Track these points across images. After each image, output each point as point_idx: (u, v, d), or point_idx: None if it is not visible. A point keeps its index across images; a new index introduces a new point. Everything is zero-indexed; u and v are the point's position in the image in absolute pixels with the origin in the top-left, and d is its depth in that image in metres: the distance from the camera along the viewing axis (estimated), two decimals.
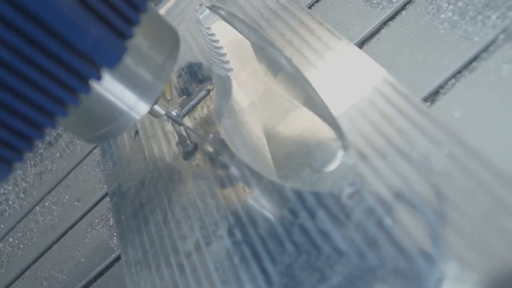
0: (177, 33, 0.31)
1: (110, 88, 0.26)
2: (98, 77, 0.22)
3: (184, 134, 0.43)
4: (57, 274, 0.51)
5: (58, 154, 0.62)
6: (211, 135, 0.41)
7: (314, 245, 0.29)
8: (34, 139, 0.19)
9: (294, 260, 0.29)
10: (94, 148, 0.58)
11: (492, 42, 0.35)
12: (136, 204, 0.42)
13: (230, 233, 0.33)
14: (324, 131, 0.35)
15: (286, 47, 0.41)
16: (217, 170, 0.38)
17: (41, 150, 0.65)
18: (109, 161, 0.50)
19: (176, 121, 0.42)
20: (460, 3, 0.39)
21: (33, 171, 0.64)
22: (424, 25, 0.40)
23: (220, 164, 0.38)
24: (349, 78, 0.36)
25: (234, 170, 0.37)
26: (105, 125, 0.29)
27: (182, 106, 0.45)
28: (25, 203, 0.62)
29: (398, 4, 0.42)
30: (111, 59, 0.22)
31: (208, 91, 0.45)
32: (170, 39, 0.30)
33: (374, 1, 0.44)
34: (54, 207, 0.58)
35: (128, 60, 0.26)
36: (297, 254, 0.29)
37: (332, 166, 0.33)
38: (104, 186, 0.53)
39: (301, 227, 0.30)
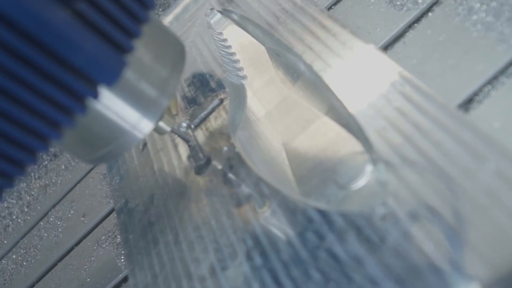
0: (182, 44, 0.28)
1: (110, 105, 0.24)
2: (95, 95, 0.19)
3: (196, 147, 0.40)
4: None
5: (63, 166, 0.60)
6: (225, 148, 0.38)
7: (344, 272, 0.26)
8: (26, 163, 0.17)
9: None
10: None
11: None
12: (144, 223, 0.40)
13: (249, 257, 0.30)
14: (350, 143, 0.32)
15: (305, 52, 0.38)
16: (231, 187, 0.35)
17: (46, 162, 0.63)
18: (116, 176, 0.47)
19: (183, 138, 0.39)
20: (494, 3, 0.36)
21: (38, 184, 0.61)
22: (454, 27, 0.37)
23: (234, 180, 0.36)
24: (376, 86, 0.33)
25: (250, 187, 0.34)
26: (105, 145, 0.26)
27: (193, 116, 0.42)
28: (29, 217, 0.59)
29: (425, 5, 0.39)
30: (109, 75, 0.19)
31: (221, 100, 0.42)
32: (174, 51, 0.27)
33: (398, 3, 0.41)
34: (59, 223, 0.55)
35: (129, 75, 0.24)
36: (324, 283, 0.26)
37: (360, 183, 0.30)
38: (111, 201, 0.50)
39: (329, 252, 0.27)
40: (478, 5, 0.37)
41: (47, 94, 0.16)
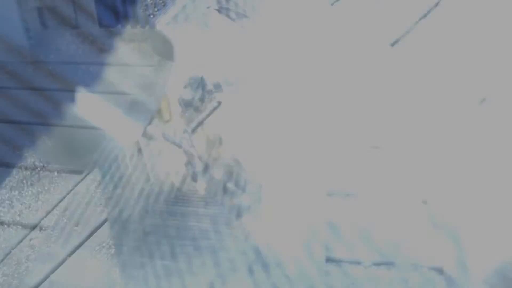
0: (172, 46, 0.26)
1: (94, 111, 0.22)
2: None
3: (193, 153, 0.38)
4: None
5: (56, 173, 0.58)
6: (222, 159, 0.36)
7: None
8: None
9: None
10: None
11: None
12: (139, 234, 0.38)
13: (250, 271, 0.28)
14: None
15: None
16: (231, 198, 0.33)
17: (38, 169, 0.61)
18: (110, 184, 0.45)
19: (175, 144, 0.37)
20: None
21: (30, 192, 0.59)
22: None
23: (234, 190, 0.34)
24: None
25: (250, 196, 0.32)
26: (89, 153, 0.24)
27: (189, 120, 0.40)
28: (20, 227, 0.57)
29: None
30: None
31: (219, 103, 0.40)
32: (165, 52, 0.25)
33: None
34: (51, 232, 0.53)
35: (114, 77, 0.22)
36: None
37: None
38: (105, 209, 0.48)
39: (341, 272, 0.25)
40: None
41: None
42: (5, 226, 0.59)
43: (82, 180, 0.53)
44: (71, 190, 0.55)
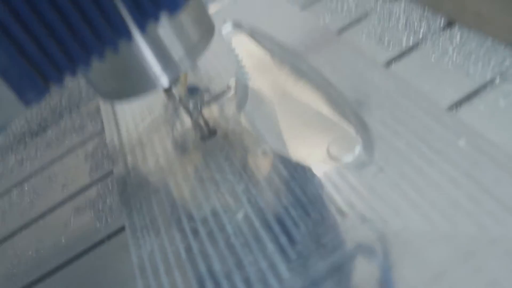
0: (212, 21, 0.34)
1: (145, 49, 0.28)
2: (157, 19, 0.23)
3: (202, 123, 0.45)
4: (30, 253, 0.48)
5: (44, 144, 0.61)
6: (231, 123, 0.43)
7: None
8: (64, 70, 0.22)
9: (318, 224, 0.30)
10: (88, 140, 0.58)
11: None
12: (145, 177, 0.43)
13: (250, 202, 0.34)
14: (344, 126, 0.38)
15: None
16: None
17: (27, 139, 0.64)
18: (116, 140, 0.50)
19: (188, 111, 0.43)
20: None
21: (13, 158, 0.62)
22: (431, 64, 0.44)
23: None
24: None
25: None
26: (131, 82, 0.30)
27: (200, 99, 0.48)
28: None
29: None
30: (174, 4, 0.24)
31: (229, 87, 0.48)
32: (207, 23, 0.32)
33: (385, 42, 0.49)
34: (34, 191, 0.55)
35: (167, 29, 0.28)
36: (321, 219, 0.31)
37: (350, 158, 0.36)
38: (97, 172, 0.52)
39: (327, 198, 0.32)
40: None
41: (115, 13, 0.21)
42: None
43: (74, 149, 0.57)
44: (59, 158, 0.58)
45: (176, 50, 0.29)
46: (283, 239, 0.29)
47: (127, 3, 0.22)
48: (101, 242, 0.45)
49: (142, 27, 0.22)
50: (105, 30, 0.22)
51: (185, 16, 0.29)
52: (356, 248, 0.27)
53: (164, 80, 0.30)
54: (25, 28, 0.20)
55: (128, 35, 0.23)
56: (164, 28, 0.28)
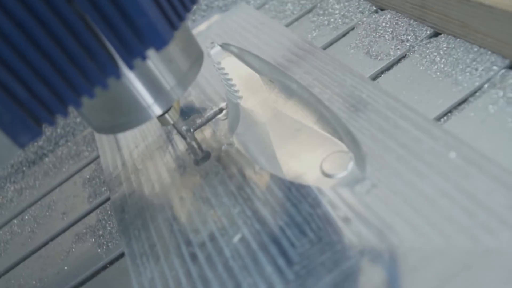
0: (201, 48, 0.34)
1: (136, 82, 0.29)
2: (144, 57, 0.22)
3: (194, 144, 0.45)
4: (34, 282, 0.48)
5: (42, 172, 0.61)
6: (224, 146, 0.43)
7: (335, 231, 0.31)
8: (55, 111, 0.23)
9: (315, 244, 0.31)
10: (85, 167, 0.58)
11: None
12: (142, 204, 0.43)
13: (246, 224, 0.34)
14: (336, 144, 0.38)
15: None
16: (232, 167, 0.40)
17: (24, 168, 0.64)
18: (114, 168, 0.51)
19: (181, 134, 0.44)
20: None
21: (12, 188, 0.62)
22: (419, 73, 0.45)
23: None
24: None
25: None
26: (123, 116, 0.30)
27: (192, 122, 0.48)
28: None
29: (395, 57, 0.48)
30: (160, 40, 0.24)
31: (221, 110, 0.48)
32: (196, 51, 0.33)
33: (374, 53, 0.49)
34: (34, 220, 0.55)
35: (157, 60, 0.29)
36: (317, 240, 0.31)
37: (343, 174, 0.36)
38: (96, 199, 0.53)
39: (323, 216, 0.32)
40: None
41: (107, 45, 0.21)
42: None
43: (71, 177, 0.57)
44: (58, 186, 0.58)
45: (167, 80, 0.29)
46: (281, 260, 0.30)
47: (113, 42, 0.22)
48: (103, 268, 0.45)
49: (129, 65, 0.23)
50: (93, 70, 0.23)
51: (173, 47, 0.29)
52: (353, 266, 0.28)
53: (157, 110, 0.30)
54: (13, 73, 0.20)
55: (116, 73, 0.23)
56: (153, 60, 0.28)
